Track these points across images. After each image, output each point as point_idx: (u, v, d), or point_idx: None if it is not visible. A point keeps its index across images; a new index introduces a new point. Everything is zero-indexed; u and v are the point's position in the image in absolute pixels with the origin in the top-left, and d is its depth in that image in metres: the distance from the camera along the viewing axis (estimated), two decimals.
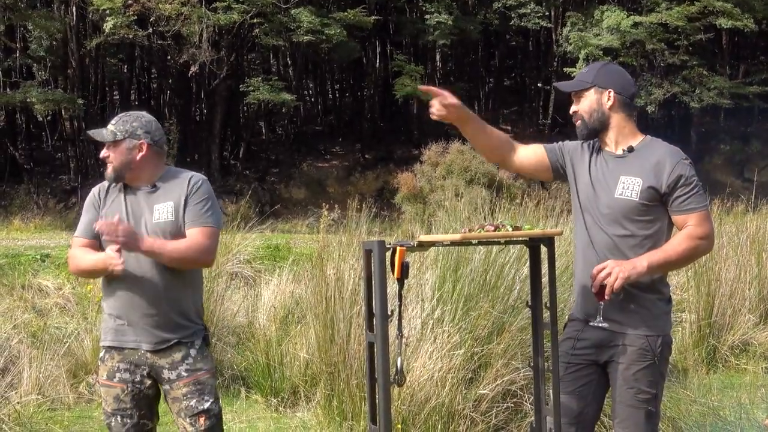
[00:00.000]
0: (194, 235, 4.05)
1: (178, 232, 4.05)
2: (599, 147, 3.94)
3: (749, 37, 32.75)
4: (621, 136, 3.86)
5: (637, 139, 3.87)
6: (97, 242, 4.10)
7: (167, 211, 4.06)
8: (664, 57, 30.29)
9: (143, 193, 4.11)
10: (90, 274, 4.27)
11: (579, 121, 3.90)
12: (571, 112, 3.94)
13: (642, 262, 3.64)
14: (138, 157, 4.10)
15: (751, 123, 34.36)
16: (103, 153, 4.13)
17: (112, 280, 4.03)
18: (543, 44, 37.51)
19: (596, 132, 3.88)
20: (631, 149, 3.82)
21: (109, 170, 4.12)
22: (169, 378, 4.07)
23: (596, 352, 3.86)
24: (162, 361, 4.06)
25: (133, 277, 4.00)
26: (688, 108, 31.21)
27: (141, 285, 4.01)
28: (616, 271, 3.59)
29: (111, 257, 3.88)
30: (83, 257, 4.10)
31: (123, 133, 4.10)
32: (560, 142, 4.09)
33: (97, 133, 4.15)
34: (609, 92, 3.83)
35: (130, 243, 3.86)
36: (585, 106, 3.87)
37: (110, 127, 4.13)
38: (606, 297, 3.62)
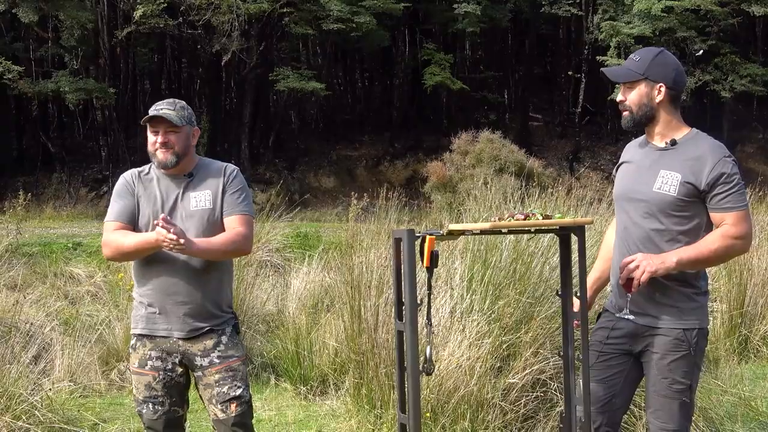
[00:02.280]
0: (234, 224, 4.11)
1: (215, 220, 4.11)
2: (645, 140, 3.91)
3: None
4: (667, 129, 3.81)
5: (683, 132, 3.81)
6: (132, 227, 4.12)
7: (205, 199, 4.11)
8: (695, 44, 29.96)
9: (178, 181, 4.14)
10: (132, 254, 4.13)
11: (626, 112, 3.83)
12: (618, 100, 3.88)
13: (671, 258, 3.61)
14: (193, 144, 4.18)
15: None
16: (163, 138, 4.08)
17: (148, 267, 4.06)
18: (573, 32, 37.25)
19: (642, 125, 3.84)
20: (674, 142, 3.77)
21: (170, 155, 4.09)
22: (201, 365, 4.10)
23: (630, 342, 3.84)
24: (194, 348, 4.10)
25: (171, 265, 4.04)
26: (719, 96, 30.88)
27: (178, 273, 4.04)
28: (643, 265, 3.57)
29: (166, 235, 3.79)
30: (124, 239, 4.06)
31: (184, 120, 4.14)
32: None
33: (168, 115, 4.10)
34: (660, 87, 3.77)
35: (185, 247, 3.85)
36: (634, 98, 3.80)
37: (169, 111, 4.11)
38: (633, 289, 3.60)
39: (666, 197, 3.70)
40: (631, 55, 3.92)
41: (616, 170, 4.05)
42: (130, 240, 4.05)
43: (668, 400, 3.74)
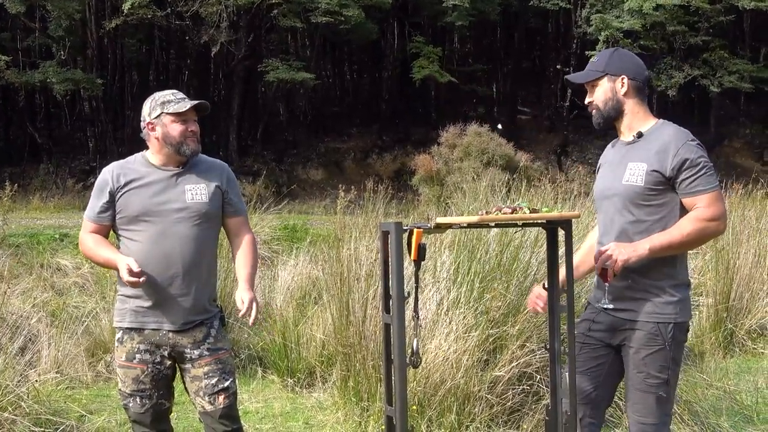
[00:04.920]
0: (241, 226, 4.31)
1: (210, 214, 4.15)
2: (618, 139, 3.96)
3: None
4: (635, 121, 3.86)
5: (649, 124, 3.85)
6: (105, 227, 4.17)
7: (200, 192, 4.13)
8: (685, 39, 30.03)
9: (171, 173, 4.14)
10: (101, 266, 4.38)
11: (594, 111, 3.91)
12: (586, 102, 3.96)
13: (643, 245, 3.63)
14: None
15: None
16: (194, 126, 4.15)
17: (141, 262, 4.00)
18: (562, 26, 37.30)
19: (611, 120, 3.89)
20: (640, 135, 3.82)
21: (198, 144, 4.17)
22: (191, 357, 4.11)
23: (609, 336, 3.87)
24: (184, 341, 4.10)
25: (166, 259, 4.04)
26: (707, 91, 30.96)
27: (173, 267, 4.05)
28: (615, 254, 3.59)
29: (129, 276, 3.90)
30: (96, 250, 4.14)
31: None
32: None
33: (205, 104, 4.19)
34: (622, 79, 3.83)
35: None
36: (600, 95, 3.88)
37: (194, 102, 4.15)
38: (608, 279, 3.62)
39: (634, 188, 3.73)
40: (591, 59, 4.04)
41: (597, 171, 4.10)
42: (101, 255, 4.13)
43: (645, 394, 3.76)
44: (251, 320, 4.14)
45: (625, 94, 3.84)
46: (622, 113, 3.86)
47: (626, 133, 3.88)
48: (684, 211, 3.74)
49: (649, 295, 3.74)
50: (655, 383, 3.74)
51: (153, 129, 4.12)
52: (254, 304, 4.11)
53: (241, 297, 4.12)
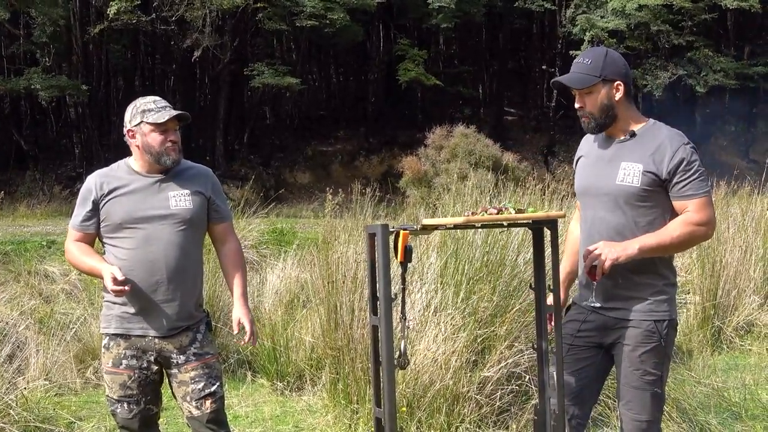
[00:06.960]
0: (228, 233, 4.34)
1: (195, 220, 4.14)
2: (604, 135, 3.90)
3: (754, 17, 32.51)
4: (627, 123, 3.82)
5: (641, 124, 3.82)
6: (90, 236, 4.17)
7: (184, 199, 4.11)
8: (669, 38, 30.16)
9: (154, 179, 4.13)
10: (86, 274, 4.39)
11: (586, 119, 3.80)
12: (576, 107, 3.84)
13: (633, 245, 3.63)
14: None
15: (757, 104, 34.24)
16: (175, 136, 4.11)
17: (126, 268, 4.00)
18: (547, 26, 37.40)
19: (606, 126, 3.82)
20: (633, 134, 3.79)
21: (179, 154, 4.13)
22: (177, 362, 4.10)
23: (601, 335, 3.87)
24: (170, 346, 4.10)
25: (151, 265, 4.03)
26: (693, 89, 31.09)
27: (158, 273, 4.04)
28: (605, 253, 3.59)
29: (113, 285, 3.89)
30: (81, 258, 4.13)
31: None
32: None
33: (185, 115, 4.14)
34: (618, 84, 3.76)
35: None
36: (596, 102, 3.76)
37: (175, 112, 4.12)
38: (597, 277, 3.63)
39: (629, 188, 3.72)
40: (578, 60, 3.87)
41: (576, 163, 4.07)
42: (86, 263, 4.11)
43: (640, 391, 3.77)
44: (254, 341, 4.31)
45: (619, 100, 3.77)
46: (616, 117, 3.78)
47: (618, 134, 3.84)
48: (675, 214, 3.74)
49: (642, 293, 3.75)
50: (651, 380, 3.76)
51: (133, 137, 4.10)
52: (253, 326, 4.28)
53: (240, 320, 4.24)
